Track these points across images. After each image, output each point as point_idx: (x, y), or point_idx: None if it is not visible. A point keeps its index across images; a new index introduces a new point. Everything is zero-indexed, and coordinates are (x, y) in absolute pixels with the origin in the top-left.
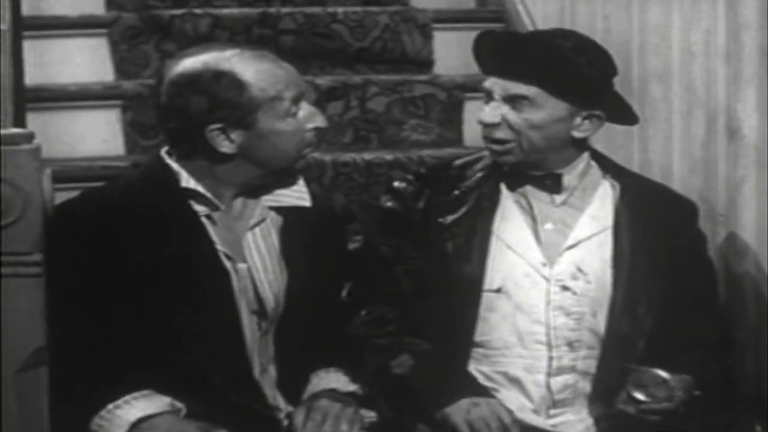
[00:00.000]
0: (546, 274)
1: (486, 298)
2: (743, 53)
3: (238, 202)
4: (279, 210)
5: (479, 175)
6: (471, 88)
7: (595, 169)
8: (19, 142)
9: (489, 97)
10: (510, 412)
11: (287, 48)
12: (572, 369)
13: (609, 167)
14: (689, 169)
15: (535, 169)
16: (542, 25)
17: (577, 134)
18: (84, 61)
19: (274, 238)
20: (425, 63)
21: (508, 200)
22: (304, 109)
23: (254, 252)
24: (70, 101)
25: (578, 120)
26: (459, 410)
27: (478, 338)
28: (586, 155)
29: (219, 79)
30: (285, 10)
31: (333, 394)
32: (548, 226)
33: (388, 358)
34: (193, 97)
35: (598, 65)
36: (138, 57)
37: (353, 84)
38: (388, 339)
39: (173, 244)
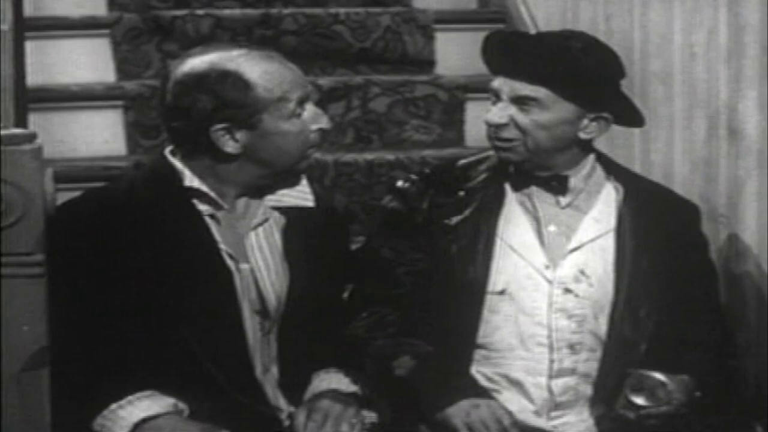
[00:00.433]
0: (549, 277)
1: (489, 300)
2: (745, 54)
3: (242, 202)
4: (282, 210)
5: (483, 176)
6: (472, 88)
7: (600, 172)
8: (20, 142)
9: (497, 97)
10: (510, 414)
11: (289, 49)
12: (573, 371)
13: (613, 169)
14: (691, 170)
15: (540, 169)
16: (544, 25)
17: (583, 136)
18: (86, 61)
19: (277, 238)
20: (427, 63)
21: (512, 202)
22: (309, 110)
23: (257, 252)
24: (71, 102)
25: (585, 122)
26: (459, 412)
27: (480, 340)
28: (591, 157)
29: (225, 79)
30: (287, 11)
31: (334, 394)
32: (552, 228)
33: (390, 359)
34: (198, 97)
35: (606, 67)
36: (140, 58)
37: (355, 85)
38: (389, 340)
39: (176, 243)
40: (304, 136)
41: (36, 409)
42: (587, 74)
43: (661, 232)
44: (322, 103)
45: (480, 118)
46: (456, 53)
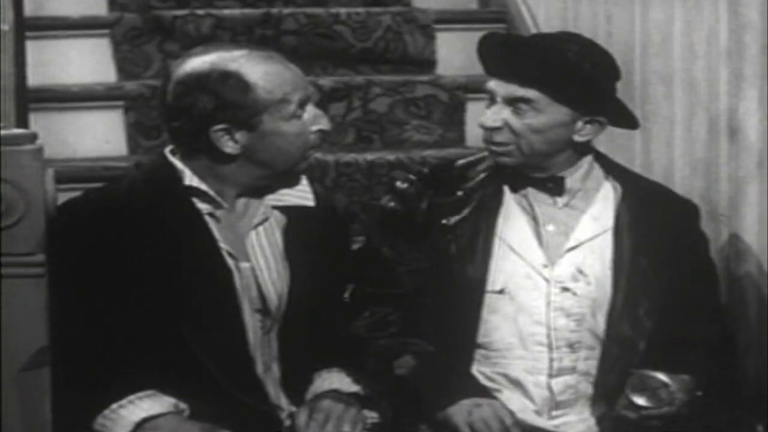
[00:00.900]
0: (547, 276)
1: (488, 299)
2: (745, 54)
3: (242, 201)
4: (282, 209)
5: (482, 176)
6: (473, 88)
7: (598, 171)
8: (21, 142)
9: (492, 99)
10: (511, 413)
11: (289, 49)
12: (573, 370)
13: (612, 169)
14: (691, 170)
15: (536, 171)
16: (544, 25)
17: (578, 138)
18: (86, 61)
19: (278, 237)
20: (427, 64)
21: (510, 201)
22: (309, 111)
23: (257, 251)
24: (72, 102)
25: (579, 124)
26: (460, 411)
27: (479, 339)
28: (588, 158)
29: (226, 80)
30: (287, 10)
31: (336, 394)
32: (550, 227)
33: (391, 359)
34: (199, 97)
35: (602, 70)
36: (140, 58)
37: (355, 85)
38: (390, 340)
39: (176, 241)
40: (304, 138)
41: (36, 409)
42: (581, 78)
43: (659, 231)
44: (322, 104)
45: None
46: (457, 53)
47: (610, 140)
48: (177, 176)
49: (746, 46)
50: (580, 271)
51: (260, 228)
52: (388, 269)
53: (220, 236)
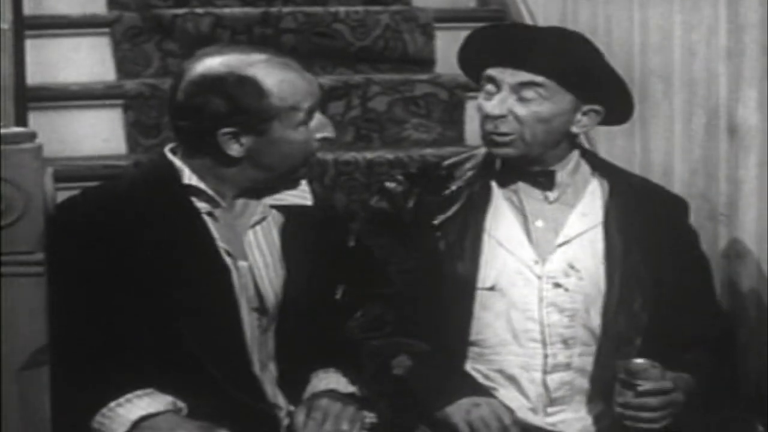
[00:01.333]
0: (538, 272)
1: (480, 296)
2: (744, 53)
3: (240, 201)
4: (280, 208)
5: (470, 173)
6: (472, 87)
7: (585, 167)
8: (20, 141)
9: (496, 87)
10: (510, 412)
11: (288, 47)
12: (568, 366)
13: (597, 165)
14: (690, 169)
15: (531, 164)
16: (543, 24)
17: (575, 129)
18: (86, 60)
19: (275, 236)
20: (427, 62)
21: (499, 198)
22: (316, 118)
23: (255, 250)
24: (71, 100)
25: (578, 115)
26: (459, 410)
27: (473, 337)
28: (576, 152)
29: (242, 85)
30: (286, 9)
31: (333, 394)
32: (539, 223)
33: (386, 359)
34: (212, 99)
35: (602, 56)
36: (140, 56)
37: (355, 83)
38: (385, 340)
39: (175, 240)
40: (308, 145)
41: (36, 409)
42: (589, 61)
43: (648, 226)
44: (321, 102)
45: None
46: (456, 52)
47: (609, 140)
48: (176, 175)
49: (746, 46)
50: (572, 267)
51: (258, 227)
52: (378, 269)
53: (218, 235)
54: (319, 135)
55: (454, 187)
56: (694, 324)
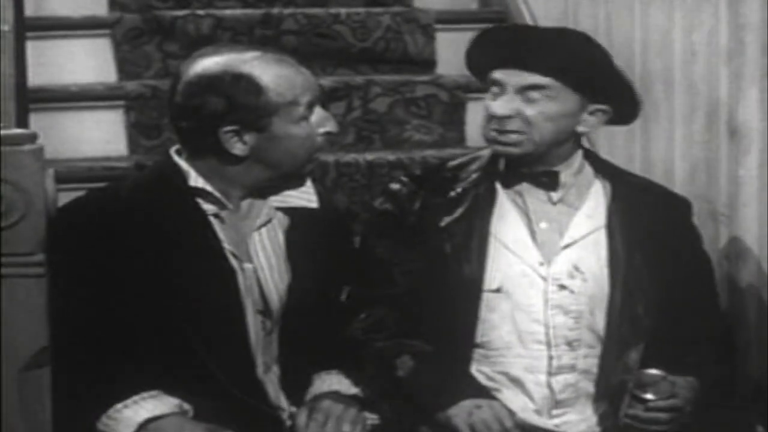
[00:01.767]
0: (543, 274)
1: (486, 298)
2: (745, 53)
3: (246, 202)
4: (286, 210)
5: (474, 175)
6: (473, 88)
7: (588, 168)
8: (21, 142)
9: (501, 89)
10: (512, 414)
11: (290, 49)
12: (572, 368)
13: (600, 166)
14: (691, 169)
15: (536, 164)
16: (544, 25)
17: (581, 129)
18: (87, 61)
19: (281, 239)
20: (428, 63)
21: (504, 200)
22: (317, 113)
23: (260, 252)
24: (72, 102)
25: (585, 115)
26: (461, 412)
27: (478, 339)
28: (579, 153)
29: (238, 82)
30: (287, 11)
31: (335, 396)
32: (543, 225)
33: (389, 360)
34: (210, 98)
35: (608, 55)
36: (140, 58)
37: (355, 85)
38: (388, 341)
39: (180, 242)
40: (312, 140)
41: (36, 409)
42: (595, 61)
43: (652, 227)
44: (323, 104)
45: (482, 118)
46: (457, 53)
47: (610, 140)
48: (182, 177)
49: (746, 46)
50: (577, 269)
51: (263, 229)
52: (383, 270)
53: (224, 237)
54: (321, 130)
55: (459, 189)
56: (696, 325)
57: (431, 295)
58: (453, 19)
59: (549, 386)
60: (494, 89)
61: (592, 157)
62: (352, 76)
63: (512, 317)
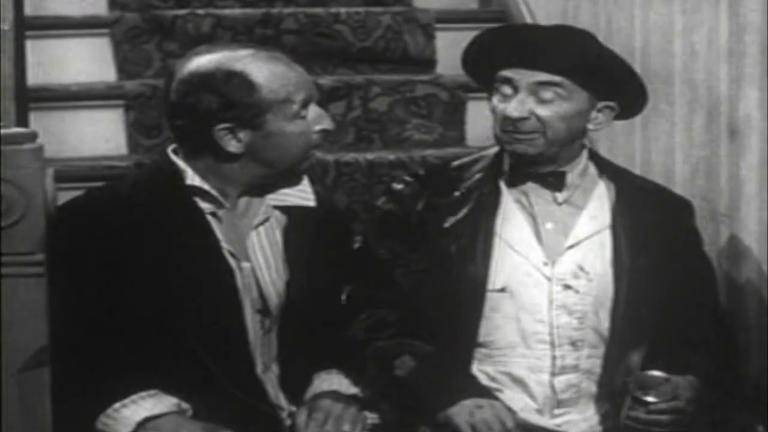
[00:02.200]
0: (548, 274)
1: (490, 298)
2: (746, 53)
3: (243, 201)
4: (283, 209)
5: (479, 176)
6: (474, 88)
7: (593, 168)
8: (21, 141)
9: (512, 88)
10: (513, 414)
11: (289, 48)
12: (576, 368)
13: (605, 167)
14: (691, 169)
15: (544, 164)
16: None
17: (591, 127)
18: (86, 61)
19: (278, 238)
20: (428, 63)
21: (508, 200)
22: (312, 111)
23: (258, 251)
24: (72, 101)
25: (594, 112)
26: (462, 412)
27: (481, 338)
28: (585, 153)
29: (231, 79)
30: (287, 10)
31: (335, 395)
32: (548, 225)
33: (389, 360)
34: (203, 96)
35: (612, 51)
36: (140, 57)
37: (356, 84)
38: (389, 341)
39: (178, 241)
40: (307, 137)
41: (36, 409)
42: (600, 58)
43: (656, 230)
44: (322, 103)
45: (482, 117)
46: (457, 53)
47: (610, 140)
48: (179, 176)
49: (746, 46)
50: (581, 269)
51: (261, 228)
52: (385, 271)
53: (222, 236)
54: (317, 127)
55: (463, 189)
56: (698, 326)
57: (434, 295)
58: (453, 18)
59: (551, 386)
60: (505, 89)
61: (596, 157)
62: (352, 75)
63: (516, 317)
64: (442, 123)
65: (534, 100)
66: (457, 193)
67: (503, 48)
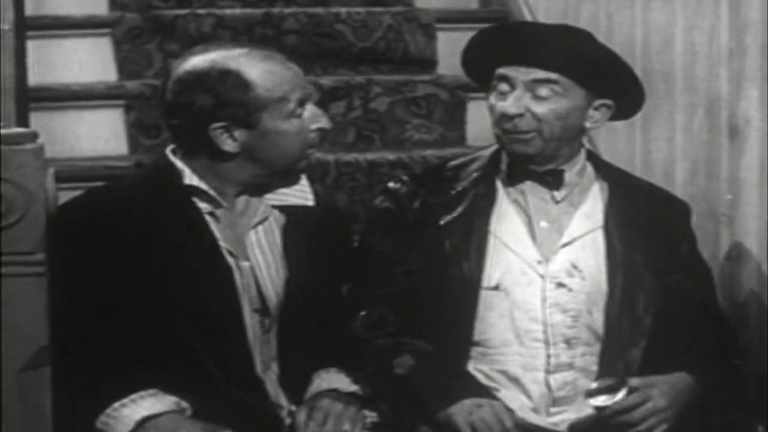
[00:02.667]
0: (541, 272)
1: (484, 296)
2: (746, 53)
3: (242, 200)
4: (282, 209)
5: (475, 175)
6: (474, 88)
7: (590, 168)
8: (22, 141)
9: (509, 85)
10: (512, 414)
11: (290, 48)
12: (570, 366)
13: (601, 167)
14: (691, 169)
15: (543, 162)
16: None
17: (588, 125)
18: (87, 60)
19: (277, 237)
20: (428, 63)
21: (504, 199)
22: (309, 110)
23: (257, 250)
24: (73, 101)
25: (591, 110)
26: (461, 411)
27: (476, 337)
28: (583, 153)
29: (225, 78)
30: (288, 10)
31: (335, 394)
32: (543, 224)
33: (389, 359)
34: (198, 95)
35: (611, 50)
36: (141, 57)
37: (356, 84)
38: (387, 340)
39: (177, 240)
40: (303, 136)
41: (36, 409)
42: (597, 56)
43: (649, 229)
44: (323, 103)
45: (482, 117)
46: (457, 53)
47: (610, 140)
48: (177, 175)
49: (747, 46)
50: (575, 267)
51: (260, 227)
52: (382, 269)
53: (220, 235)
54: (314, 126)
55: (459, 188)
56: (695, 327)
57: (430, 293)
58: (453, 18)
59: (547, 384)
60: (502, 87)
61: (593, 157)
62: (353, 75)
63: (510, 315)
64: (442, 123)
65: (530, 97)
66: (453, 192)
67: (500, 46)
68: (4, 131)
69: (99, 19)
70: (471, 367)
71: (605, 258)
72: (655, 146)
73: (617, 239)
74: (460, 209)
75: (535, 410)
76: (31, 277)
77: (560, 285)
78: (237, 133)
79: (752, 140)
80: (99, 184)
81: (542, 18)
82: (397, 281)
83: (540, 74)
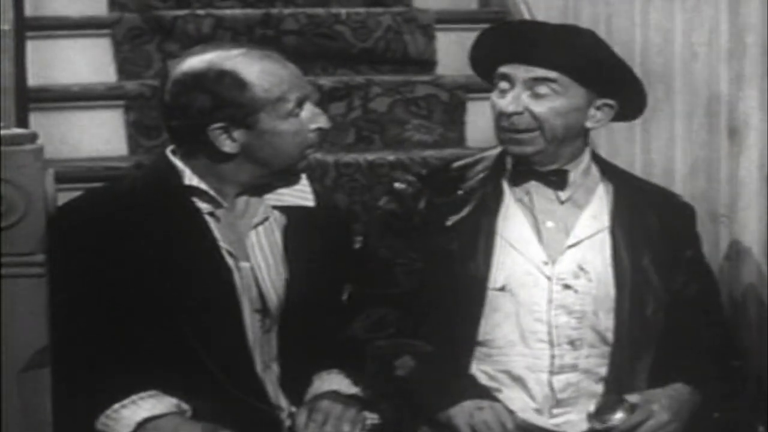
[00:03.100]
0: (548, 273)
1: (490, 296)
2: (746, 54)
3: (242, 201)
4: (282, 209)
5: (481, 175)
6: (474, 88)
7: (595, 169)
8: (21, 142)
9: (509, 83)
10: (513, 416)
11: (290, 49)
12: (575, 368)
13: (606, 168)
14: (691, 170)
15: (546, 162)
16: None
17: (589, 124)
18: (87, 61)
19: (278, 237)
20: (428, 63)
21: (510, 199)
22: (308, 109)
23: (257, 251)
24: (72, 102)
25: (592, 110)
26: (462, 413)
27: (481, 337)
28: (588, 153)
29: (222, 78)
30: (288, 11)
31: (335, 395)
32: (549, 224)
33: (390, 359)
34: (196, 96)
35: (612, 50)
36: (140, 57)
37: (356, 84)
38: (389, 341)
39: (177, 241)
40: (302, 136)
41: (36, 410)
42: (599, 56)
43: (655, 231)
44: (322, 103)
45: (482, 118)
46: (457, 53)
47: (610, 140)
48: (177, 176)
49: (747, 47)
50: (581, 268)
51: (260, 228)
52: (386, 270)
53: (220, 235)
54: (312, 126)
55: (465, 189)
56: (699, 330)
57: (435, 294)
58: (453, 19)
59: (550, 385)
60: (502, 85)
61: (599, 159)
62: (353, 76)
63: (516, 316)
64: (442, 123)
65: (529, 95)
66: (459, 193)
67: (501, 44)
68: (3, 132)
69: (98, 20)
70: (474, 367)
71: (611, 260)
72: (655, 146)
73: (623, 241)
74: (466, 210)
75: (538, 411)
76: (31, 277)
77: (566, 287)
78: (236, 134)
79: (752, 140)
80: (99, 184)
81: (541, 18)
82: (399, 282)
83: (539, 72)
